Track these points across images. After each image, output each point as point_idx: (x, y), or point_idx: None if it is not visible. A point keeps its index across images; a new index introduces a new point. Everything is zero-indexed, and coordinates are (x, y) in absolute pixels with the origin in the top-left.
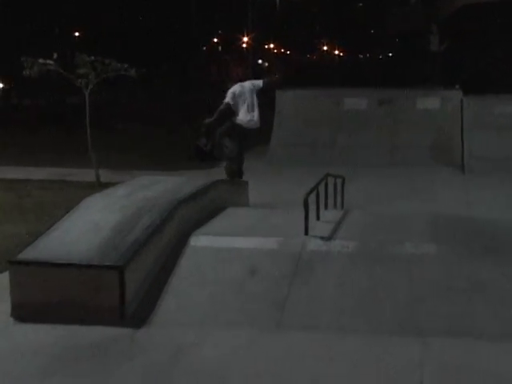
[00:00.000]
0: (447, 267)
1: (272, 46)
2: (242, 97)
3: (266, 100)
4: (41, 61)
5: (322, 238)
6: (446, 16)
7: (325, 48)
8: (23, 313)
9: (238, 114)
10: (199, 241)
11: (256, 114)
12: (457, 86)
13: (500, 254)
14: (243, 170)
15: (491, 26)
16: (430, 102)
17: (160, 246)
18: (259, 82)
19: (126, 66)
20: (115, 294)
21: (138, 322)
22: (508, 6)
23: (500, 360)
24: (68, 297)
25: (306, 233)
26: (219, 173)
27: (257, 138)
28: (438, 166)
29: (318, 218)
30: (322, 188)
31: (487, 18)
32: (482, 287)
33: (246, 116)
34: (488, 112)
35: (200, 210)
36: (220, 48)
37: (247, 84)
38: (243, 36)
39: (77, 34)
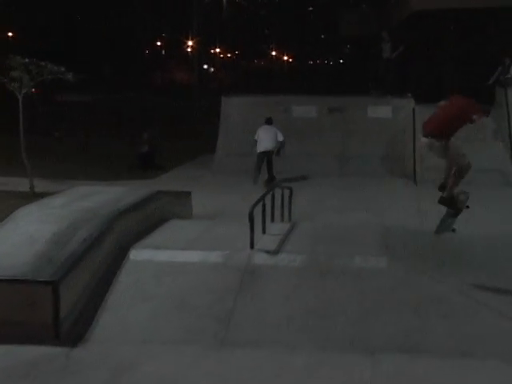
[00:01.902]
0: (399, 281)
1: (218, 50)
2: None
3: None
4: None
5: (268, 251)
6: (397, 23)
7: (273, 53)
8: None
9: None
10: (140, 254)
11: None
12: (409, 95)
13: (453, 267)
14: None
15: (442, 34)
16: (381, 110)
17: (98, 259)
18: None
19: (62, 69)
20: (49, 310)
21: (73, 340)
22: (458, 14)
23: (454, 379)
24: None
25: (252, 246)
26: (162, 183)
27: (201, 146)
28: (390, 176)
29: (264, 230)
30: (268, 199)
31: (438, 26)
32: (436, 301)
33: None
34: None
35: (141, 222)
36: (163, 52)
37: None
38: (188, 39)
39: (10, 34)
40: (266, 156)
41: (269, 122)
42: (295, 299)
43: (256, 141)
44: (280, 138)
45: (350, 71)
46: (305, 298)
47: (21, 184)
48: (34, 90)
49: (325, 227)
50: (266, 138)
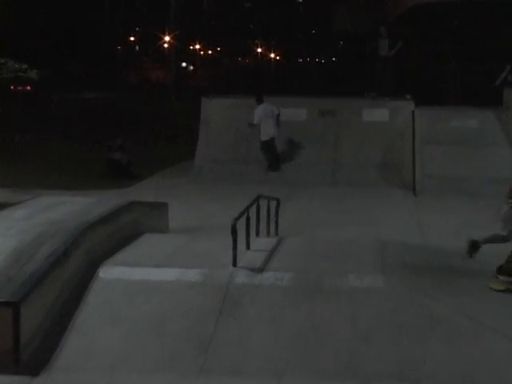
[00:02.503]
0: (395, 301)
1: (198, 46)
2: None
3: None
4: None
5: (252, 269)
6: (397, 17)
7: (259, 50)
8: None
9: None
10: (110, 272)
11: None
12: (408, 96)
13: (454, 286)
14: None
15: (445, 29)
16: (377, 113)
17: (64, 277)
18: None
19: (24, 66)
20: (8, 335)
21: (35, 368)
22: (465, 7)
23: None
24: None
25: (235, 263)
26: (136, 193)
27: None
28: (386, 186)
29: (248, 246)
30: (253, 211)
31: (442, 20)
32: (436, 324)
33: None
34: (443, 125)
35: (112, 236)
36: (137, 48)
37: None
38: (164, 35)
39: None
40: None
41: (261, 100)
42: (282, 322)
43: (256, 124)
44: (276, 111)
45: (344, 70)
46: (293, 320)
47: None
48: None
49: (315, 242)
50: (269, 123)
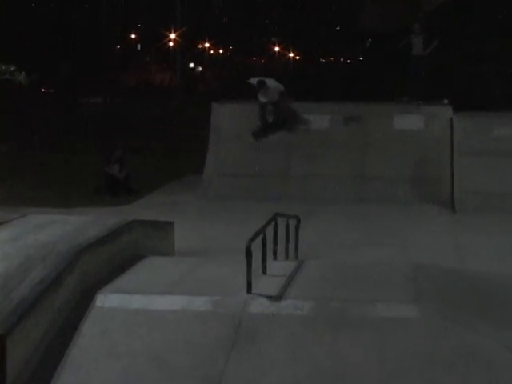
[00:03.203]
0: (430, 334)
1: (207, 45)
2: None
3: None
4: None
5: (268, 297)
6: (433, 12)
7: (276, 49)
8: None
9: None
10: (108, 300)
11: None
12: (445, 101)
13: (497, 317)
14: None
15: (489, 26)
16: (411, 120)
17: (56, 306)
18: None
19: (12, 68)
20: None
21: None
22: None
23: None
24: None
25: (249, 290)
26: (136, 211)
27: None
28: (420, 203)
29: (264, 270)
30: (269, 232)
31: (484, 15)
32: (478, 362)
33: None
34: (485, 134)
35: (109, 260)
36: (139, 46)
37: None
38: (170, 32)
39: None
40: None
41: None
42: (301, 358)
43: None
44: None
45: (372, 72)
46: (313, 356)
47: None
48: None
49: (339, 266)
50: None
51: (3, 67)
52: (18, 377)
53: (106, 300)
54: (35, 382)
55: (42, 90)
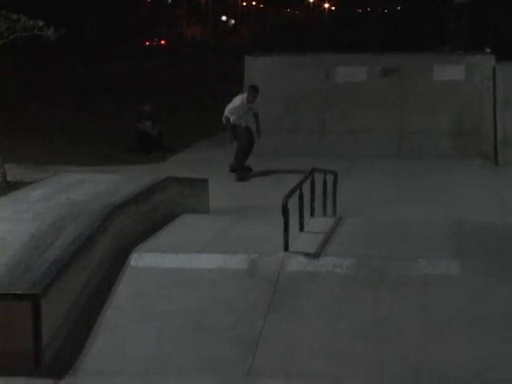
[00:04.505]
0: (474, 292)
1: None
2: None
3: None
4: None
5: (307, 254)
6: None
7: (311, 0)
8: None
9: None
10: (143, 260)
11: None
12: (487, 50)
13: None
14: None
15: None
16: (451, 71)
17: (90, 267)
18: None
19: (40, 23)
20: (28, 333)
21: (59, 370)
22: None
23: None
24: None
25: (286, 248)
26: (170, 168)
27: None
28: (462, 156)
29: (301, 228)
30: (306, 188)
31: None
32: None
33: None
34: None
35: (143, 219)
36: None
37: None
38: None
39: None
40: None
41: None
42: (341, 317)
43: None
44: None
45: (411, 21)
46: (353, 315)
47: None
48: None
49: (379, 223)
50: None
51: (31, 22)
52: (53, 339)
53: (141, 259)
54: (70, 344)
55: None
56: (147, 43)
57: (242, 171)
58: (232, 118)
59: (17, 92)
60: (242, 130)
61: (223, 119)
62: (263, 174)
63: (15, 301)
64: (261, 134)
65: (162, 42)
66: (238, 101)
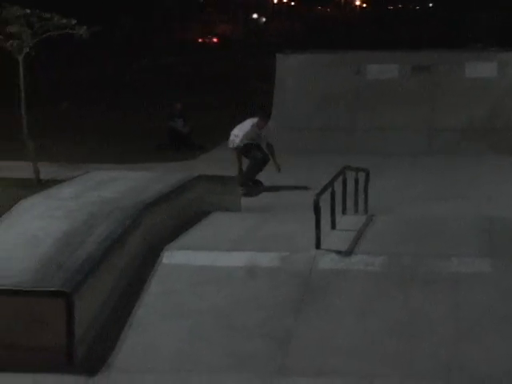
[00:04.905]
0: (506, 289)
1: None
2: None
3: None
4: None
5: (338, 252)
6: None
7: None
8: None
9: None
10: (174, 257)
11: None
12: None
13: None
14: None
15: None
16: (483, 67)
17: (121, 264)
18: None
19: (73, 21)
20: (61, 329)
21: (91, 367)
22: None
23: None
24: None
25: (318, 245)
26: (201, 166)
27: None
28: (493, 153)
29: (333, 225)
30: (338, 185)
31: None
32: None
33: None
34: None
35: (174, 217)
36: None
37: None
38: None
39: None
40: None
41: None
42: (373, 314)
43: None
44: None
45: (442, 18)
46: (385, 312)
47: (22, 169)
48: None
49: (410, 221)
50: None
51: (64, 21)
52: (85, 336)
53: (172, 257)
54: (102, 342)
55: None
56: (200, 40)
57: (249, 186)
58: (242, 141)
59: (48, 91)
60: (253, 147)
61: (230, 144)
62: (293, 171)
63: (48, 298)
64: (279, 166)
65: (215, 39)
66: (247, 125)
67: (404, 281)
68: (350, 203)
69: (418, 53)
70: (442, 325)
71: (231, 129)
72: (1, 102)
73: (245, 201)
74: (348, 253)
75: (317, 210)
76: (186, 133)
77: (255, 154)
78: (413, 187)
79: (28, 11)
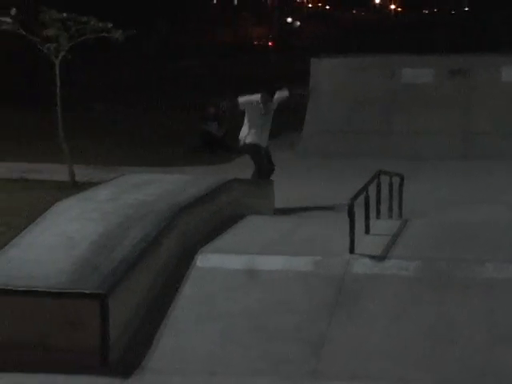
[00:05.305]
0: None
1: None
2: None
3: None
4: None
5: (372, 256)
6: None
7: (377, 1)
8: None
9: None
10: (208, 260)
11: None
12: None
13: None
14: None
15: None
16: None
17: (156, 266)
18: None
19: (109, 25)
20: (96, 331)
21: (126, 369)
22: None
23: None
24: (31, 336)
25: (352, 250)
26: (235, 169)
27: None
28: None
29: (367, 230)
30: (372, 190)
31: None
32: None
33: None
34: None
35: (209, 220)
36: (236, 1)
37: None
38: None
39: None
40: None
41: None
42: (406, 319)
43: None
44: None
45: (478, 22)
46: (419, 317)
47: (58, 172)
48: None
49: (444, 225)
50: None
51: (100, 24)
52: (120, 338)
53: (206, 260)
54: (136, 344)
55: None
56: (255, 43)
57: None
58: (247, 135)
59: (84, 93)
60: (260, 150)
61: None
62: (327, 174)
63: (83, 299)
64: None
65: (270, 43)
66: (254, 97)
67: (438, 286)
68: (384, 208)
69: (454, 56)
70: (477, 330)
71: None
72: (37, 105)
73: (279, 204)
74: (382, 257)
75: (351, 214)
76: (221, 136)
77: (259, 162)
78: (447, 192)
79: (65, 15)
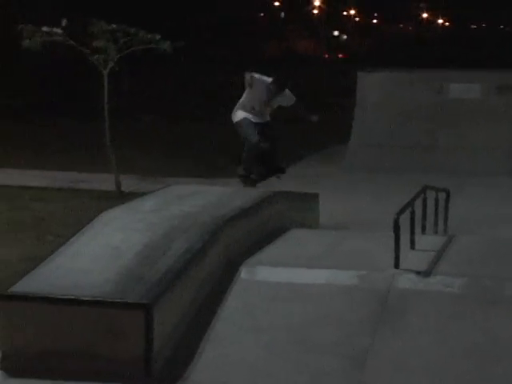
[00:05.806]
0: None
1: (353, 12)
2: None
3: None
4: (45, 29)
5: (417, 272)
6: None
7: (424, 15)
8: (15, 365)
9: None
10: (252, 273)
11: None
12: None
13: None
14: None
15: None
16: None
17: (200, 277)
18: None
19: (158, 37)
20: (139, 341)
21: (168, 380)
22: None
23: None
24: (75, 344)
25: (397, 265)
26: (279, 182)
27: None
28: None
29: (412, 245)
30: (418, 205)
31: None
32: None
33: None
34: None
35: (253, 232)
36: (283, 14)
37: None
38: None
39: None
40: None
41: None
42: (451, 336)
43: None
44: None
45: None
46: (464, 335)
47: (104, 182)
48: None
49: (491, 242)
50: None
51: (148, 36)
52: (163, 348)
53: (250, 273)
54: (180, 355)
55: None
56: (326, 56)
57: (247, 177)
58: (242, 109)
59: (132, 104)
60: (249, 123)
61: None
62: (373, 188)
63: (128, 309)
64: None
65: (340, 55)
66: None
67: (483, 303)
68: (429, 223)
69: (503, 72)
70: None
71: (312, 143)
72: (85, 115)
73: (324, 217)
74: (427, 273)
75: (396, 229)
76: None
77: (247, 135)
78: (494, 208)
79: (114, 26)
